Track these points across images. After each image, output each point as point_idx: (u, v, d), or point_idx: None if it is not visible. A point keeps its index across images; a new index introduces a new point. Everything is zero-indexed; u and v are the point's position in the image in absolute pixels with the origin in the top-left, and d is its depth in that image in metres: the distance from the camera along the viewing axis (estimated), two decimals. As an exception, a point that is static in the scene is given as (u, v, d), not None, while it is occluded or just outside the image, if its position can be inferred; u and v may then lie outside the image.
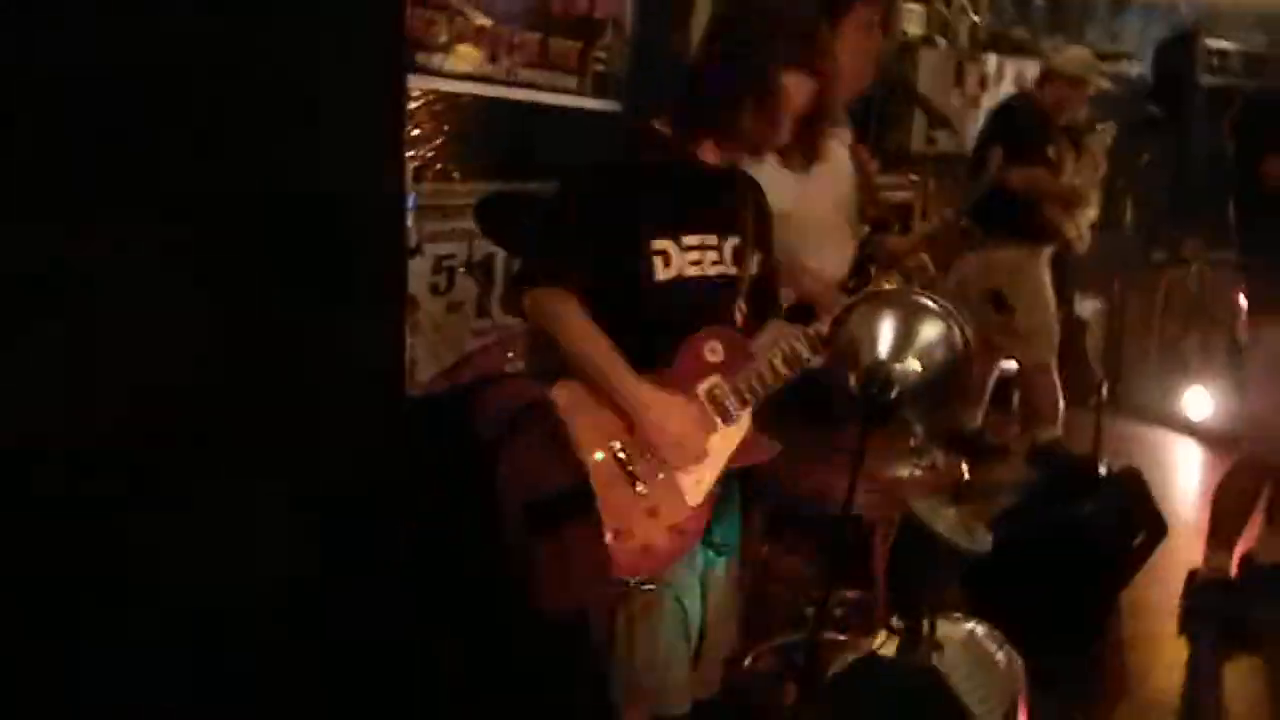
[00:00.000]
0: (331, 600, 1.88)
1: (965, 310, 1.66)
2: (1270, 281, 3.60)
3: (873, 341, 1.64)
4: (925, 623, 1.60)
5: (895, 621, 1.63)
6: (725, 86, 2.08)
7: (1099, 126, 4.85)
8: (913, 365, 1.60)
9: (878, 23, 2.85)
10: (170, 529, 1.55)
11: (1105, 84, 5.03)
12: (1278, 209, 3.45)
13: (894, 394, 1.55)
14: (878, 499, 2.15)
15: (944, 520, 1.57)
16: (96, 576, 1.50)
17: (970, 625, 1.70)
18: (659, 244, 2.15)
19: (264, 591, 1.70)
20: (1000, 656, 1.67)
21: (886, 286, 2.19)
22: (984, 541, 1.59)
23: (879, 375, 1.58)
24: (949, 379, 1.62)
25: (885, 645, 1.62)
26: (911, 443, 1.65)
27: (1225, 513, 3.75)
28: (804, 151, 2.22)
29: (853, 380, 1.66)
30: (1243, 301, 3.77)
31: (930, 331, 1.63)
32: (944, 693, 1.56)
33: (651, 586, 2.20)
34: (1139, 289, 5.97)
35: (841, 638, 2.50)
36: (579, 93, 4.00)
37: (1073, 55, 5.04)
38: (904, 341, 1.62)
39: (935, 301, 1.66)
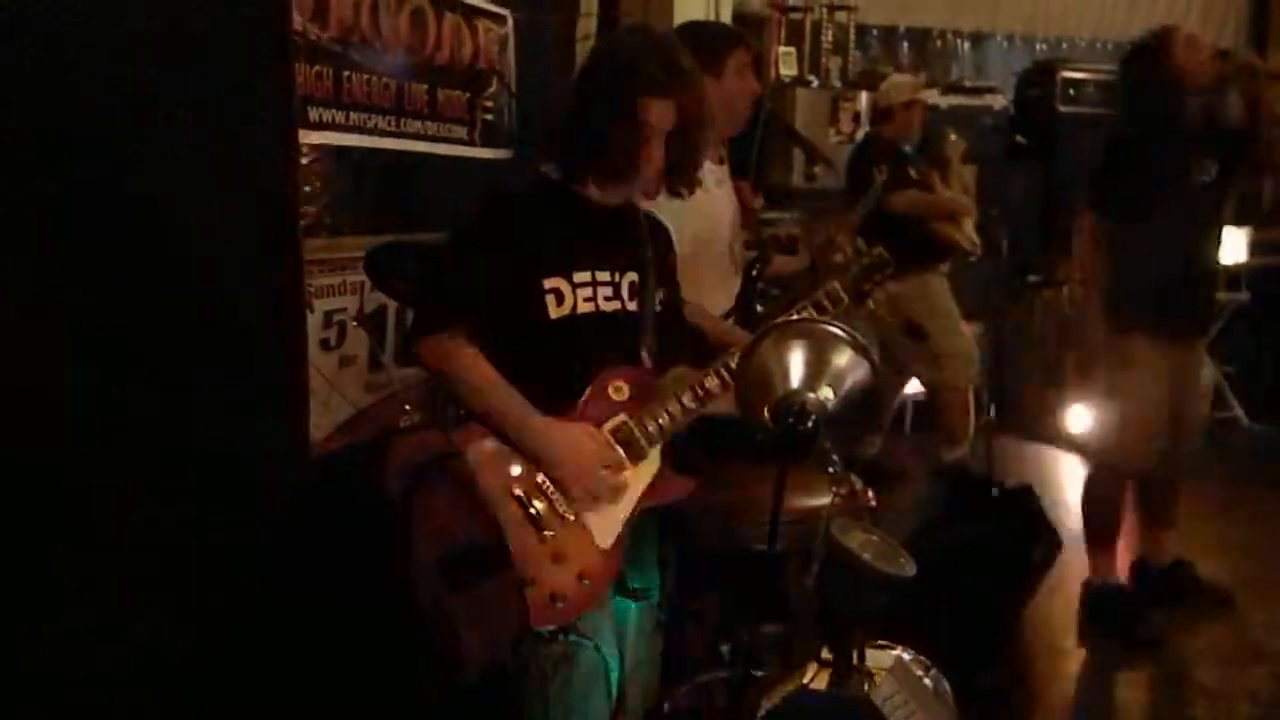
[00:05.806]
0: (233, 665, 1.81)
1: (874, 339, 1.67)
2: (1115, 300, 3.76)
3: (784, 373, 1.64)
4: (854, 653, 1.60)
5: (825, 653, 1.62)
6: (595, 120, 2.12)
7: (951, 138, 5.08)
8: (826, 393, 1.61)
9: (751, 65, 2.98)
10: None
11: (933, 98, 5.27)
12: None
13: (811, 423, 1.55)
14: (791, 530, 2.14)
15: (870, 547, 1.58)
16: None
17: (897, 651, 1.70)
18: (551, 282, 2.14)
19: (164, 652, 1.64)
20: (928, 682, 1.68)
21: (795, 317, 2.20)
22: (909, 566, 1.59)
23: (794, 405, 1.58)
24: (863, 404, 1.63)
25: (816, 678, 1.61)
26: (831, 470, 1.64)
27: (1094, 520, 3.88)
28: (680, 179, 2.25)
29: (766, 413, 1.65)
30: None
31: (840, 359, 1.63)
32: (880, 722, 1.56)
33: (575, 639, 2.15)
34: (1017, 312, 6.18)
35: (759, 674, 2.47)
36: (469, 142, 3.99)
37: (894, 83, 5.32)
38: (815, 370, 1.62)
39: (840, 328, 1.67)
